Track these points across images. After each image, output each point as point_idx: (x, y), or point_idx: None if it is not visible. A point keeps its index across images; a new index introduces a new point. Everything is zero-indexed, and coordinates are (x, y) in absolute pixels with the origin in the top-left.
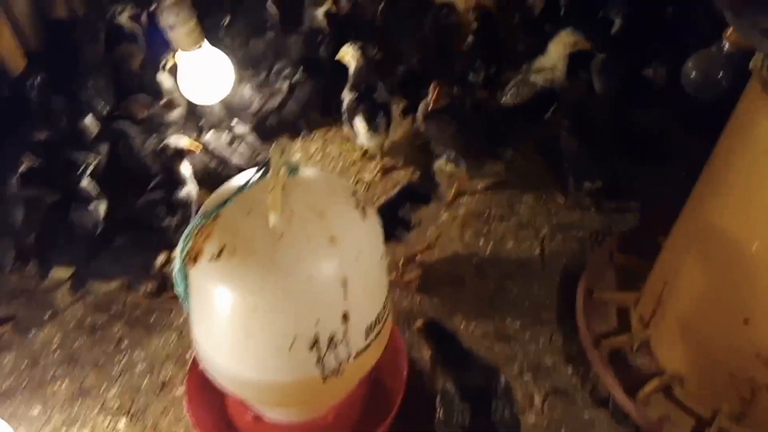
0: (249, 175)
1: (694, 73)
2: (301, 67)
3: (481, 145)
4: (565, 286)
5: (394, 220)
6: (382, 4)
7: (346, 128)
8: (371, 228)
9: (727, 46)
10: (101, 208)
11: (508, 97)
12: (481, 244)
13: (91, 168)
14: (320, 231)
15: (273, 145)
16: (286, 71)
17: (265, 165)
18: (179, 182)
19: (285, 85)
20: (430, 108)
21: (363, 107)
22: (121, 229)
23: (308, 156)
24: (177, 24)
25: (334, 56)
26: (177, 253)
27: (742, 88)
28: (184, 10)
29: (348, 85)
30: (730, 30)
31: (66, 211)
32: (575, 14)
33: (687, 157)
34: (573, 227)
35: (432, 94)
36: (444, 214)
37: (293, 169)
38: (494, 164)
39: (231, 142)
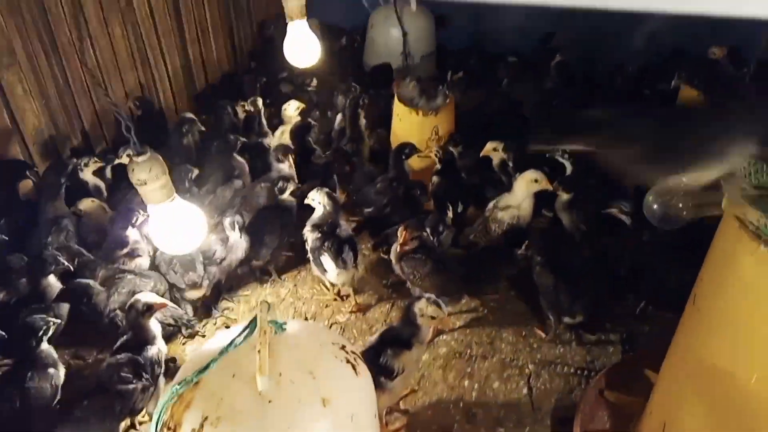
0: (232, 334)
1: (655, 206)
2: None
3: (457, 282)
4: (558, 429)
5: (376, 367)
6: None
7: (314, 268)
8: (364, 385)
9: (685, 178)
10: (60, 374)
11: (476, 235)
12: (466, 385)
13: (50, 332)
14: (312, 393)
15: (259, 303)
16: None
17: (251, 323)
18: (147, 341)
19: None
20: (398, 251)
21: (328, 244)
22: (81, 397)
23: (280, 300)
24: (149, 180)
25: (302, 201)
26: (151, 427)
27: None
28: (156, 167)
29: (310, 225)
30: None
31: (22, 379)
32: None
33: (662, 287)
34: (557, 363)
35: (400, 237)
36: (425, 355)
37: (280, 327)
38: (471, 300)
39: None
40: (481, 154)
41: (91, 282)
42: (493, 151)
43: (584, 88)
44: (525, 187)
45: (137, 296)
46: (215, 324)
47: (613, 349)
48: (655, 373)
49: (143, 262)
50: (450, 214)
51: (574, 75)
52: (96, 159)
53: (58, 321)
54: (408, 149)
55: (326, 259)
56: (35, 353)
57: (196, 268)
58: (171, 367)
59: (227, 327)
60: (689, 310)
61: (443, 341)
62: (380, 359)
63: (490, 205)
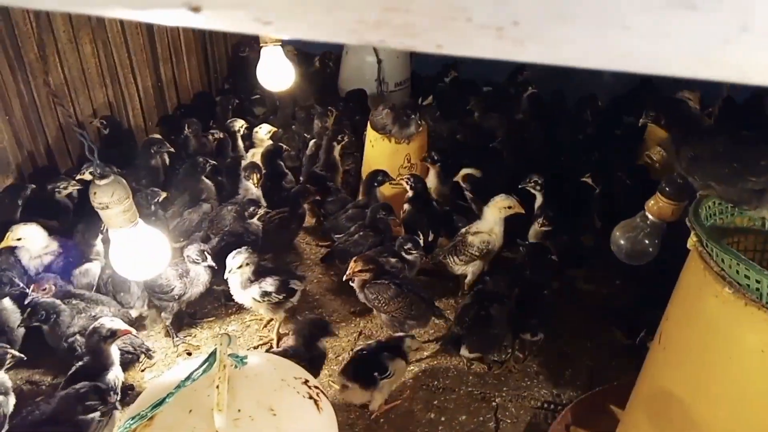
0: (191, 366)
1: (622, 242)
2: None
3: (423, 306)
4: None
5: (374, 364)
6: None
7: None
8: (327, 422)
9: (650, 216)
10: (10, 403)
11: (444, 257)
12: (432, 417)
13: (7, 362)
14: (271, 430)
15: (220, 336)
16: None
17: (210, 356)
18: (105, 367)
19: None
20: (352, 282)
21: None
22: (33, 426)
23: (245, 326)
24: (111, 203)
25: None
26: None
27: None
28: (120, 190)
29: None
30: (651, 201)
31: None
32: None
33: (628, 319)
34: (524, 396)
35: (350, 270)
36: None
37: (240, 360)
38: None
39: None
40: (454, 179)
41: (56, 301)
42: (465, 179)
43: (554, 119)
44: (497, 213)
45: (101, 321)
46: (176, 351)
47: (579, 383)
48: (620, 409)
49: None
50: (421, 241)
51: (545, 107)
52: (74, 182)
53: (19, 355)
54: (380, 176)
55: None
56: None
57: (130, 290)
58: (129, 394)
59: (189, 354)
60: (655, 347)
61: (409, 371)
62: (378, 356)
63: (462, 230)
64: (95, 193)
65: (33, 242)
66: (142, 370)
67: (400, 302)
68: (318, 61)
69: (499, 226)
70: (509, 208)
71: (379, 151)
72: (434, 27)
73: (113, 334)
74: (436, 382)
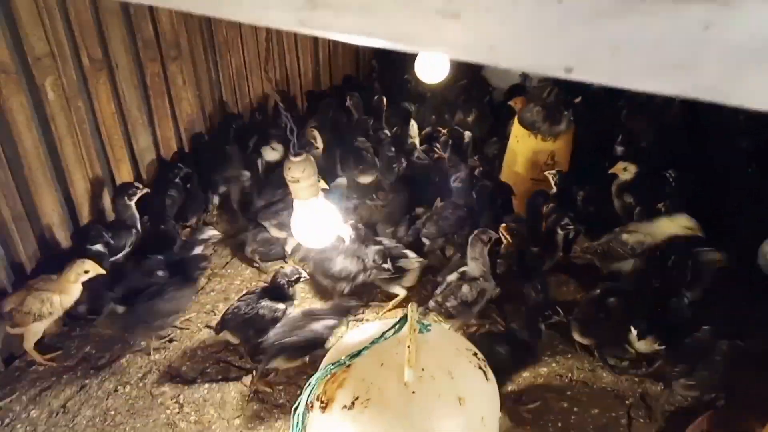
0: (382, 327)
1: None
2: None
3: None
4: None
5: None
6: None
7: None
8: (493, 391)
9: None
10: None
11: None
12: (565, 406)
13: None
14: (450, 391)
15: (409, 305)
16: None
17: (401, 320)
18: None
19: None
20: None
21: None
22: None
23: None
24: (302, 178)
25: None
26: (302, 398)
27: None
28: (309, 166)
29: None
30: None
31: None
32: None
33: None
34: (658, 398)
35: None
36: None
37: (425, 327)
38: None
39: None
40: (609, 171)
41: None
42: (623, 171)
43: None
44: (666, 227)
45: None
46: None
47: (716, 393)
48: (761, 424)
49: None
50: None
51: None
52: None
53: None
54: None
55: None
56: None
57: None
58: None
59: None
60: None
61: (544, 364)
62: None
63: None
64: (289, 169)
65: None
66: None
67: None
68: None
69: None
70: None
71: (525, 147)
72: None
73: None
74: (570, 374)
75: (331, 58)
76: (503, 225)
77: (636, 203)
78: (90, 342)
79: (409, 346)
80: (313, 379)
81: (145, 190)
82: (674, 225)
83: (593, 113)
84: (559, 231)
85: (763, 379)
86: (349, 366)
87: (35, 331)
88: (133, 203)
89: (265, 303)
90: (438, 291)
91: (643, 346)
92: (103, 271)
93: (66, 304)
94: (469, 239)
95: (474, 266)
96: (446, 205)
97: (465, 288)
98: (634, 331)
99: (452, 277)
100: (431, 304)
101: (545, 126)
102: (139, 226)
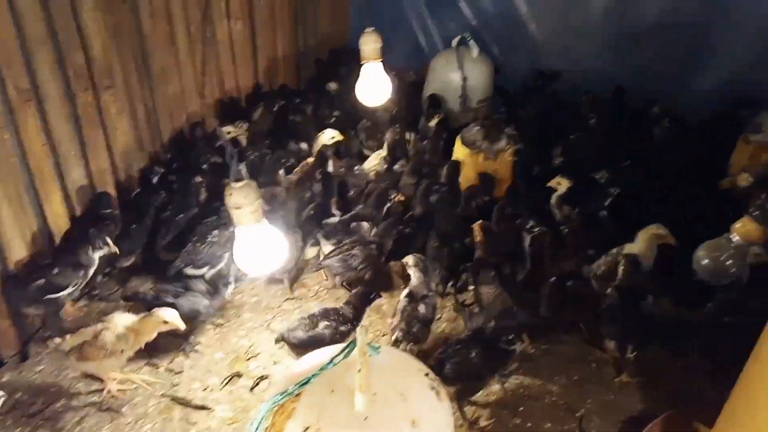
0: (331, 352)
1: (705, 261)
2: None
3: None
4: None
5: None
6: None
7: None
8: (446, 411)
9: (736, 237)
10: None
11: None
12: (518, 422)
13: None
14: (403, 414)
15: (359, 325)
16: None
17: (350, 345)
18: None
19: None
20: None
21: None
22: None
23: None
24: (244, 204)
25: None
26: (252, 429)
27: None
28: (251, 192)
29: None
30: (739, 223)
31: None
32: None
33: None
34: (609, 409)
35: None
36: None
37: (376, 350)
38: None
39: None
40: (547, 185)
41: None
42: (558, 184)
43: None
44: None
45: None
46: None
47: (666, 399)
48: (707, 427)
49: None
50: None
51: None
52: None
53: None
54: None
55: None
56: None
57: None
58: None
59: None
60: (751, 365)
61: (497, 381)
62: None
63: (615, 250)
64: (231, 195)
65: None
66: (248, 359)
67: None
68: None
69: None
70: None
71: (468, 166)
72: None
73: None
74: (521, 390)
75: (270, 72)
76: (478, 222)
77: (576, 212)
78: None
79: (359, 371)
80: (260, 412)
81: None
82: (648, 236)
83: (532, 128)
84: (526, 235)
85: (711, 387)
86: (298, 395)
87: (104, 366)
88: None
89: None
90: (395, 321)
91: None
92: (182, 327)
93: (137, 345)
94: (410, 263)
95: (420, 286)
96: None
97: (421, 308)
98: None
99: (402, 303)
100: (398, 334)
101: (486, 144)
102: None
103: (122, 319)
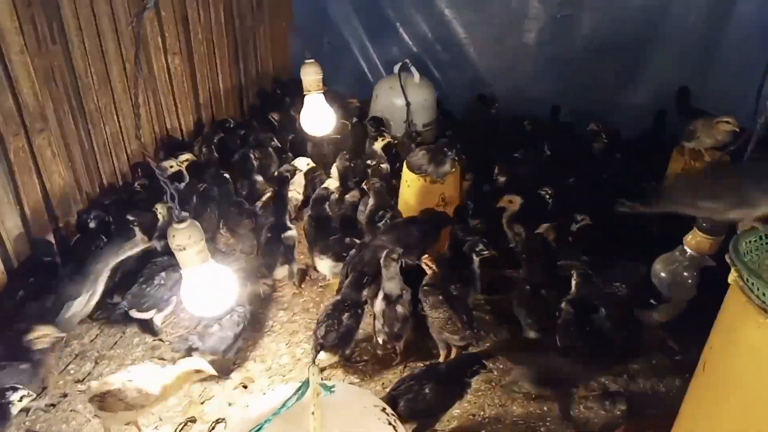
0: (284, 394)
1: (663, 274)
2: None
3: None
4: None
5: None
6: None
7: None
8: None
9: (688, 250)
10: None
11: None
12: None
13: None
14: None
15: (310, 365)
16: None
17: (302, 386)
18: None
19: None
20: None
21: None
22: None
23: (296, 360)
24: (188, 245)
25: None
26: None
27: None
28: (196, 232)
29: None
30: (690, 236)
31: None
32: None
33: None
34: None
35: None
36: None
37: (329, 389)
38: None
39: None
40: (498, 205)
41: None
42: (509, 203)
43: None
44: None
45: None
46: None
47: (620, 411)
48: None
49: None
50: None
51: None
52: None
53: None
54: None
55: None
56: None
57: None
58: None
59: (244, 387)
60: (698, 376)
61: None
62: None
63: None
64: (174, 236)
65: None
66: (202, 403)
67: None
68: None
69: None
70: None
71: (415, 191)
72: None
73: None
74: (482, 412)
75: (212, 106)
76: (425, 256)
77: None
78: None
79: (313, 413)
80: None
81: None
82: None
83: (477, 150)
84: (475, 257)
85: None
86: None
87: (120, 419)
88: None
89: None
90: (379, 326)
91: None
92: (214, 373)
93: (161, 400)
94: (382, 263)
95: (392, 285)
96: None
97: (399, 308)
98: None
99: (379, 306)
100: (383, 338)
101: (431, 168)
102: None
103: (151, 374)
